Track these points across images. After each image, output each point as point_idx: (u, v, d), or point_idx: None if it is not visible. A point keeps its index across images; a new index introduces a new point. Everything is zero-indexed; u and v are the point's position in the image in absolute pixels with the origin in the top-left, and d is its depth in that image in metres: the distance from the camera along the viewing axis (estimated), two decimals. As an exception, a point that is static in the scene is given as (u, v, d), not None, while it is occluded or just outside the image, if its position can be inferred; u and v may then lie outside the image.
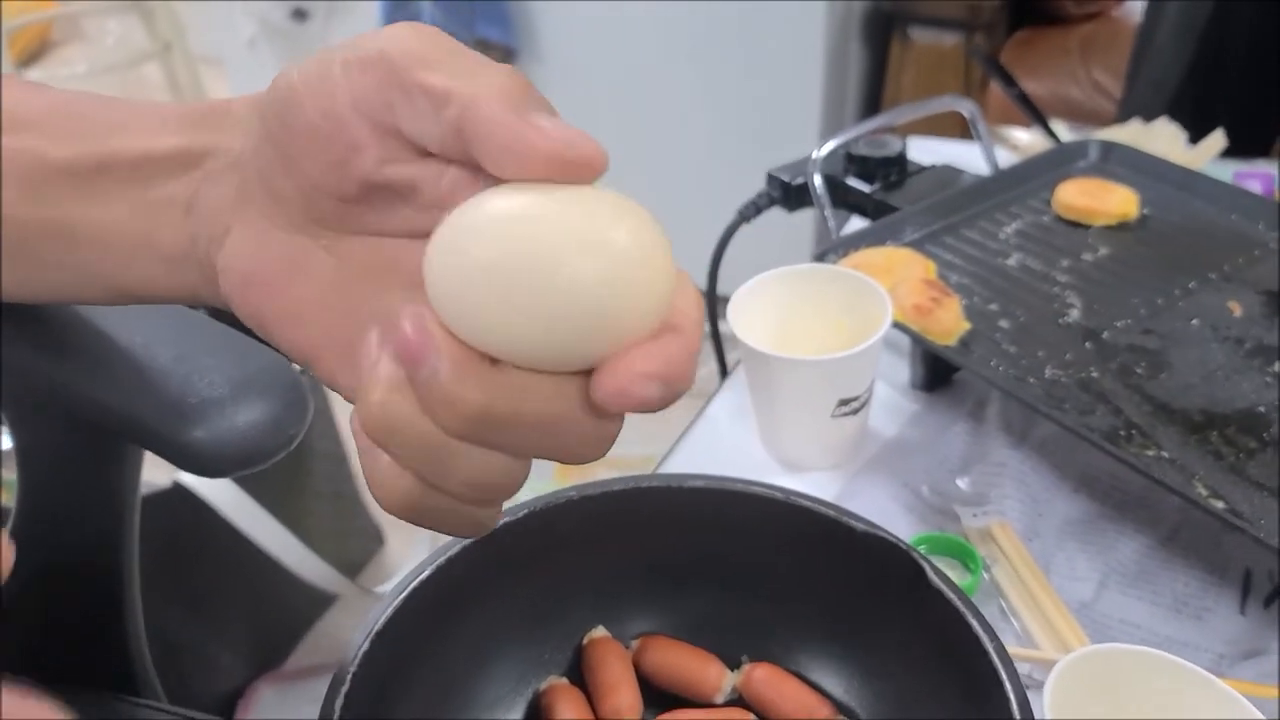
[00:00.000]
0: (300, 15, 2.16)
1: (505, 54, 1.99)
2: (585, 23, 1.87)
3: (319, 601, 1.39)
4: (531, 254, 0.25)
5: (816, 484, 0.69)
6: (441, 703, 0.52)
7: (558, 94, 1.89)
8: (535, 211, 0.25)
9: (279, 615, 1.41)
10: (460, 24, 1.88)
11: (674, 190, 1.95)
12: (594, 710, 0.53)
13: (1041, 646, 0.58)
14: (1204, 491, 0.56)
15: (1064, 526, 0.65)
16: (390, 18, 1.91)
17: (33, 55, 3.32)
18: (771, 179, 0.87)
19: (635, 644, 0.56)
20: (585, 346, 0.26)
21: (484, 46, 1.95)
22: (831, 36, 1.66)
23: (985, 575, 0.62)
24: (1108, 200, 0.79)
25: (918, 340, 0.69)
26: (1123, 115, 1.33)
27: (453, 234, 0.26)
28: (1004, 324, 0.71)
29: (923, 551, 0.56)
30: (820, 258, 0.75)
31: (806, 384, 0.66)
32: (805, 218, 1.83)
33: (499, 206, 0.26)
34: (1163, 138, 0.91)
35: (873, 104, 1.81)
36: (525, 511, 0.53)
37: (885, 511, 0.66)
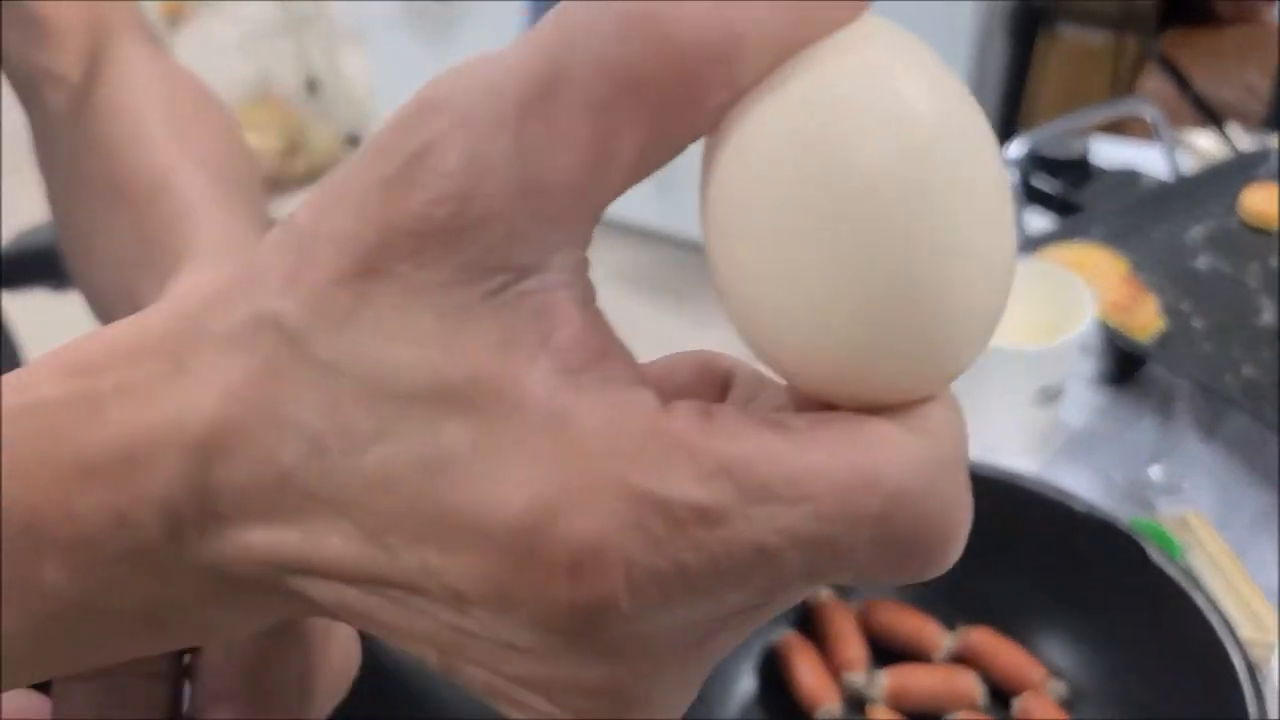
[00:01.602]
0: (444, -5, 2.23)
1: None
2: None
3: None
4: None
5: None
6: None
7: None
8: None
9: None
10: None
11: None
12: (825, 662, 0.58)
13: (1242, 630, 0.61)
14: None
15: (1256, 519, 0.68)
16: (538, 2, 1.97)
17: (169, 21, 3.46)
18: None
19: (860, 604, 0.61)
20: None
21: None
22: (978, 29, 1.67)
23: (1183, 561, 0.65)
24: (1297, 207, 0.81)
25: (1117, 336, 0.72)
26: (1270, 118, 1.33)
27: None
28: (1197, 324, 0.73)
29: (1135, 533, 0.60)
30: (1013, 252, 0.79)
31: (1010, 372, 0.70)
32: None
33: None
34: (1346, 147, 0.92)
35: (1014, 99, 1.82)
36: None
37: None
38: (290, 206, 0.17)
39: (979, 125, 0.16)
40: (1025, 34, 1.75)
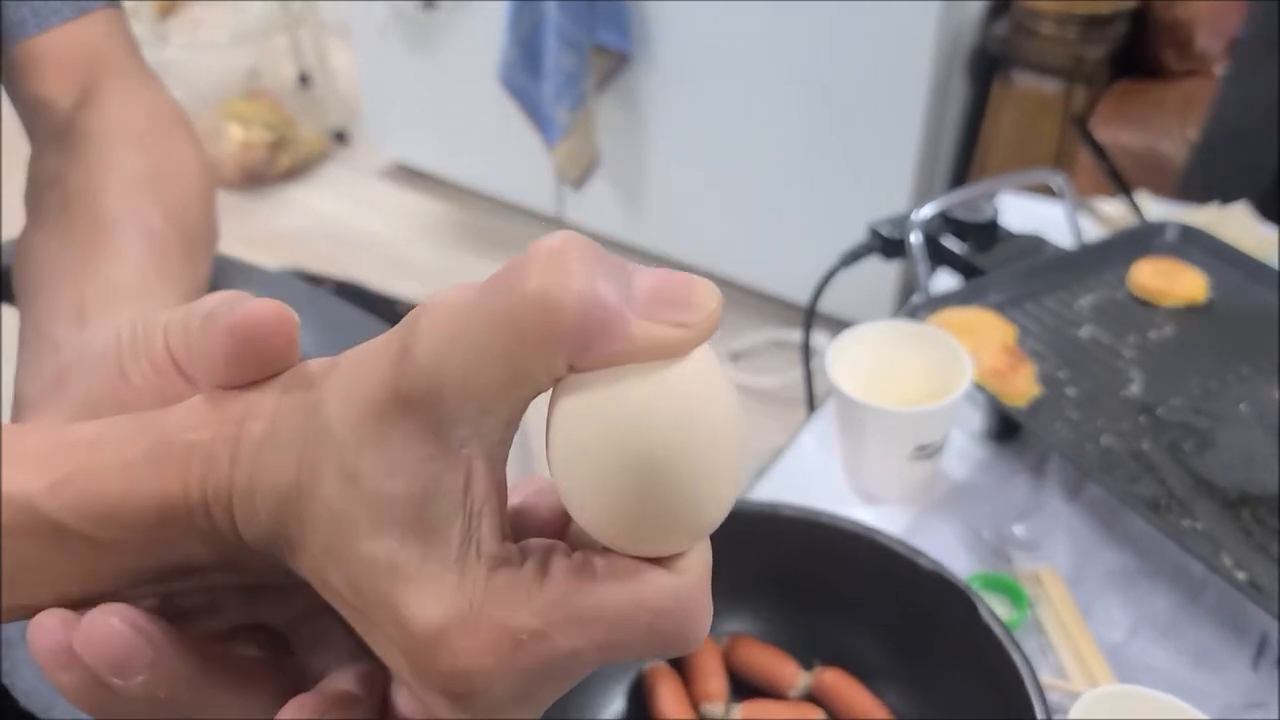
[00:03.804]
0: (429, 4, 2.28)
1: (620, 59, 2.09)
2: (699, 32, 1.97)
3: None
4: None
5: (890, 516, 0.78)
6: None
7: (667, 98, 2.04)
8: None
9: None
10: (581, 27, 1.99)
11: (771, 200, 2.04)
12: (688, 691, 0.64)
13: (1073, 680, 0.67)
14: (1229, 563, 0.65)
15: (1105, 576, 0.74)
16: (517, 16, 2.02)
17: (161, 14, 3.50)
18: (873, 232, 0.96)
19: (725, 641, 0.67)
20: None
21: (600, 52, 2.06)
22: (937, 72, 1.73)
23: (1030, 613, 0.71)
24: (1177, 283, 0.87)
25: (993, 402, 0.78)
26: (1186, 172, 1.39)
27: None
28: (1070, 392, 0.79)
29: (977, 587, 0.66)
30: (911, 313, 0.85)
31: (889, 430, 0.75)
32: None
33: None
34: (1236, 223, 0.98)
35: (971, 139, 1.88)
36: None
37: (948, 548, 0.76)
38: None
39: (720, 410, 0.25)
40: (983, 79, 1.81)
